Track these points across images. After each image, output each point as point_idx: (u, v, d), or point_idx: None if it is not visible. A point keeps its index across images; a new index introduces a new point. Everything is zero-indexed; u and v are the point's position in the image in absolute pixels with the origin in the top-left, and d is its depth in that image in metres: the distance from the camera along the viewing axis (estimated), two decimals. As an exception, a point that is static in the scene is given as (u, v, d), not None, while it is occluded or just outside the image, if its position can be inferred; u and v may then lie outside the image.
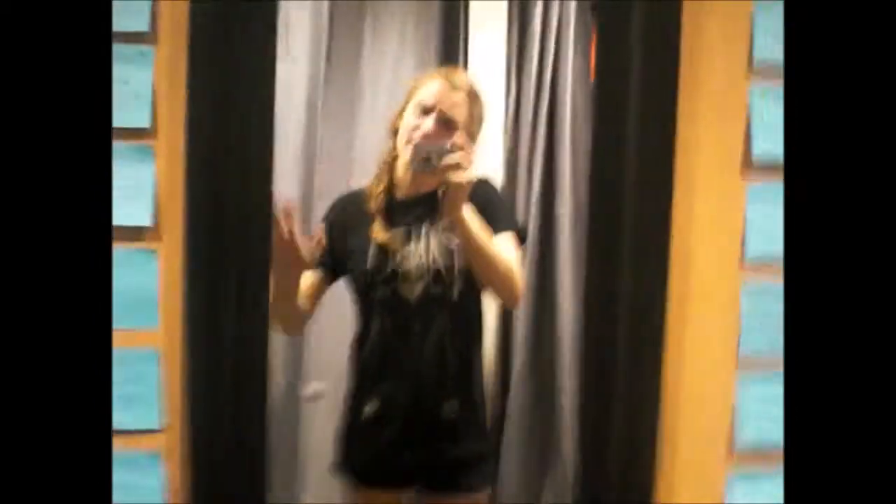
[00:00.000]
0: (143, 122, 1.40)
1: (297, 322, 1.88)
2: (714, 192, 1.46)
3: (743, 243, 1.45)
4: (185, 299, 1.40)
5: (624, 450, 1.45)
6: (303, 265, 1.71)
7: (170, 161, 1.42)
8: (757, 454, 1.48)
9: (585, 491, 1.51)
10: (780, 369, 1.40)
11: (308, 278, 1.85)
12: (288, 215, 1.62)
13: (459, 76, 1.84)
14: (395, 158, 1.87)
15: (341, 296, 2.21)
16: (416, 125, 1.77)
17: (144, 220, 1.41)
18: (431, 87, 1.79)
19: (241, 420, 1.45)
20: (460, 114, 1.79)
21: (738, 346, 1.47)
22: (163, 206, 1.42)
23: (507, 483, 2.46)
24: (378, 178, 1.88)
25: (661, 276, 1.44)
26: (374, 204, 1.84)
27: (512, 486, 2.46)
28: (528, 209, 2.41)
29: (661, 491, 1.47)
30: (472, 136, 1.82)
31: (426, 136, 1.73)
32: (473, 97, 1.82)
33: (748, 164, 1.44)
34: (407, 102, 1.83)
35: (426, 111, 1.78)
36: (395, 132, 1.86)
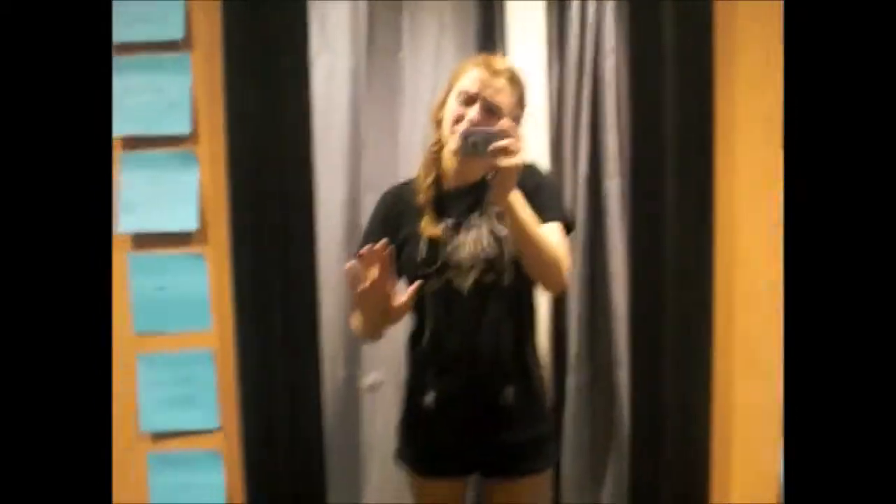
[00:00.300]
0: (184, 128, 1.42)
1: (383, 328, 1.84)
2: (755, 162, 1.43)
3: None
4: (234, 300, 1.42)
5: (678, 422, 1.44)
6: (389, 305, 1.70)
7: (213, 165, 1.44)
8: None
9: (642, 467, 1.50)
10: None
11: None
12: (371, 260, 1.59)
13: (499, 61, 1.83)
14: (439, 149, 1.87)
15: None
16: (460, 114, 1.77)
17: (191, 224, 1.43)
18: (472, 75, 1.79)
19: (296, 417, 1.48)
20: (504, 99, 1.78)
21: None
22: (207, 210, 1.44)
23: (570, 463, 2.46)
24: (425, 169, 1.88)
25: (706, 247, 1.42)
26: (423, 197, 1.84)
27: (575, 466, 2.47)
28: (575, 191, 2.40)
29: (717, 467, 1.46)
30: (516, 120, 1.81)
31: (472, 124, 1.73)
32: (515, 81, 1.81)
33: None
34: (448, 92, 1.83)
35: (469, 99, 1.77)
36: (437, 123, 1.86)
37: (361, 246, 1.91)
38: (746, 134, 1.42)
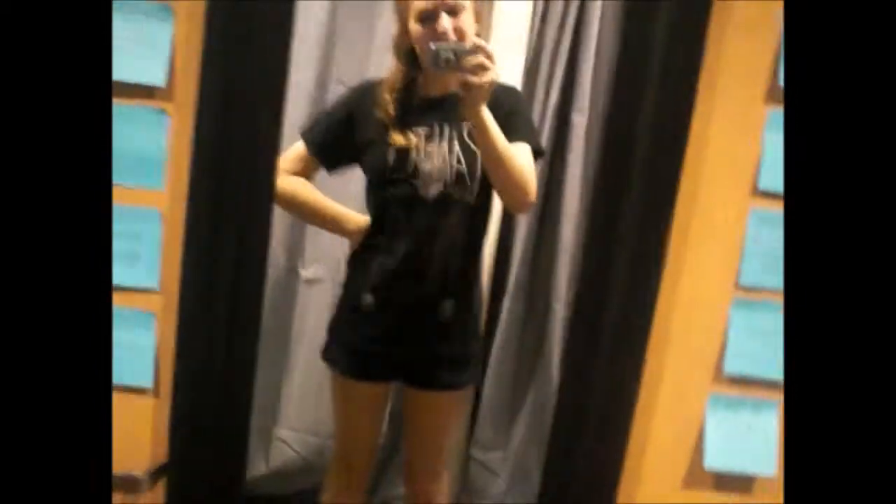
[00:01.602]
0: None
1: None
2: (734, 120, 1.43)
3: (756, 173, 1.43)
4: (192, 162, 1.39)
5: (610, 358, 1.45)
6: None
7: (190, 23, 1.39)
8: (743, 382, 1.49)
9: (567, 396, 1.52)
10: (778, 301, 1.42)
11: (301, 159, 1.88)
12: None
13: None
14: (403, 72, 1.85)
15: (348, 182, 2.22)
16: (428, 30, 1.74)
17: (158, 79, 1.38)
18: None
19: (237, 293, 1.45)
20: None
21: (738, 275, 1.47)
22: (178, 68, 1.39)
23: (492, 386, 2.50)
24: (388, 87, 1.85)
25: (667, 200, 1.42)
26: (385, 112, 1.82)
27: (496, 390, 2.51)
28: (543, 116, 2.39)
29: (642, 407, 1.48)
30: (477, 16, 1.79)
31: (443, 33, 1.71)
32: None
33: (773, 95, 1.42)
34: (403, 19, 1.79)
35: (428, 14, 1.74)
36: (400, 54, 1.84)
37: (314, 130, 1.91)
38: (729, 87, 1.42)
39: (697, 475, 1.52)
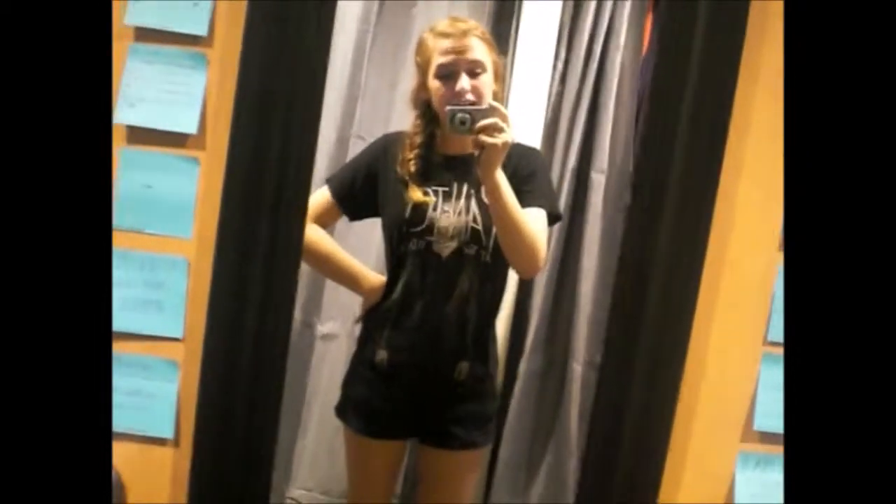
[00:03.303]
0: (201, 29, 1.39)
1: None
2: (762, 176, 1.44)
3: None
4: (221, 211, 1.39)
5: (639, 417, 1.43)
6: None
7: (222, 71, 1.40)
8: (772, 439, 1.47)
9: (593, 459, 1.50)
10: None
11: (324, 205, 1.88)
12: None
13: (462, 22, 1.81)
14: (422, 126, 1.86)
15: (366, 238, 2.22)
16: (448, 89, 1.76)
17: (191, 127, 1.40)
18: (443, 46, 1.77)
19: (262, 343, 1.44)
20: (482, 59, 1.77)
21: (767, 330, 1.46)
22: (210, 116, 1.41)
23: (508, 446, 2.47)
24: (409, 144, 1.87)
25: (697, 257, 1.42)
26: (406, 169, 1.84)
27: (512, 450, 2.47)
28: (562, 174, 2.40)
29: (671, 467, 1.46)
30: (497, 76, 1.81)
31: (462, 93, 1.73)
32: (484, 37, 1.81)
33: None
34: (425, 72, 1.81)
35: (450, 72, 1.76)
36: (418, 104, 1.86)
37: (338, 177, 1.92)
38: (757, 146, 1.43)
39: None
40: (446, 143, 1.85)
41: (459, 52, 1.74)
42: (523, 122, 2.32)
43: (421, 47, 1.82)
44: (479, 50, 1.76)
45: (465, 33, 1.76)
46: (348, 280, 1.99)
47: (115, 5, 1.35)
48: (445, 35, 1.76)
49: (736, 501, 1.46)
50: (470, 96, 1.72)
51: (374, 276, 1.95)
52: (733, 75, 1.40)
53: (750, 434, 1.47)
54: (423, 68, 1.81)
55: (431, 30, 1.81)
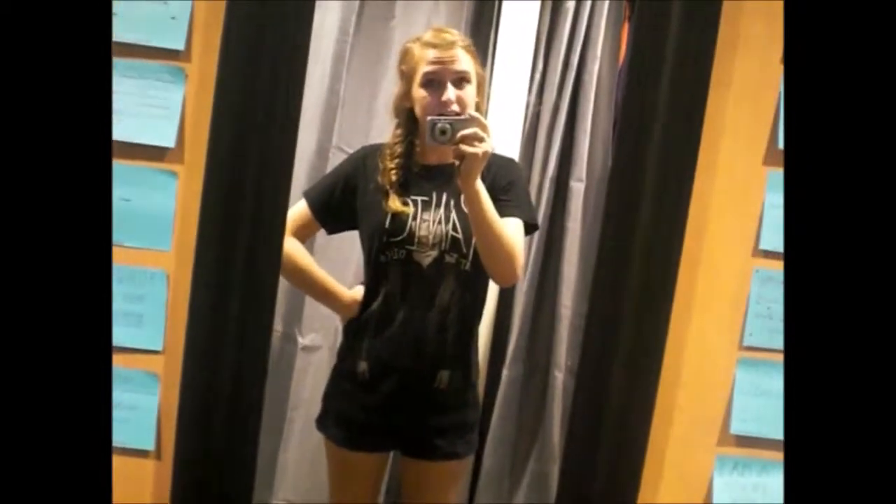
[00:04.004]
0: (179, 44, 1.40)
1: None
2: (736, 179, 1.46)
3: (758, 232, 1.45)
4: (199, 223, 1.39)
5: (616, 423, 1.44)
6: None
7: (200, 86, 1.41)
8: (749, 442, 1.49)
9: (571, 465, 1.50)
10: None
11: (302, 218, 1.89)
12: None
13: (448, 33, 1.83)
14: (402, 135, 1.88)
15: (346, 251, 2.23)
16: (433, 98, 1.78)
17: (169, 141, 1.40)
18: (429, 56, 1.79)
19: (242, 355, 1.44)
20: (466, 69, 1.79)
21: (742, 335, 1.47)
22: (188, 130, 1.41)
23: (491, 455, 2.48)
24: (390, 153, 1.88)
25: (671, 263, 1.44)
26: (387, 178, 1.85)
27: (495, 458, 2.48)
28: (542, 183, 2.42)
29: (649, 472, 1.47)
30: (480, 87, 1.83)
31: (448, 102, 1.74)
32: (468, 48, 1.83)
33: (772, 158, 1.44)
34: (410, 80, 1.83)
35: (437, 81, 1.78)
36: (399, 113, 1.87)
37: (316, 190, 1.93)
38: (730, 150, 1.45)
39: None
40: (425, 153, 1.86)
41: (446, 62, 1.76)
42: (502, 132, 2.34)
43: (406, 56, 1.83)
44: (465, 61, 1.78)
45: (451, 44, 1.77)
46: (323, 296, 2.01)
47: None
48: (432, 45, 1.78)
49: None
50: (455, 107, 1.74)
51: (348, 293, 1.96)
52: (705, 81, 1.41)
53: (727, 438, 1.48)
54: (408, 77, 1.82)
55: (418, 39, 1.83)
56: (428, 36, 1.81)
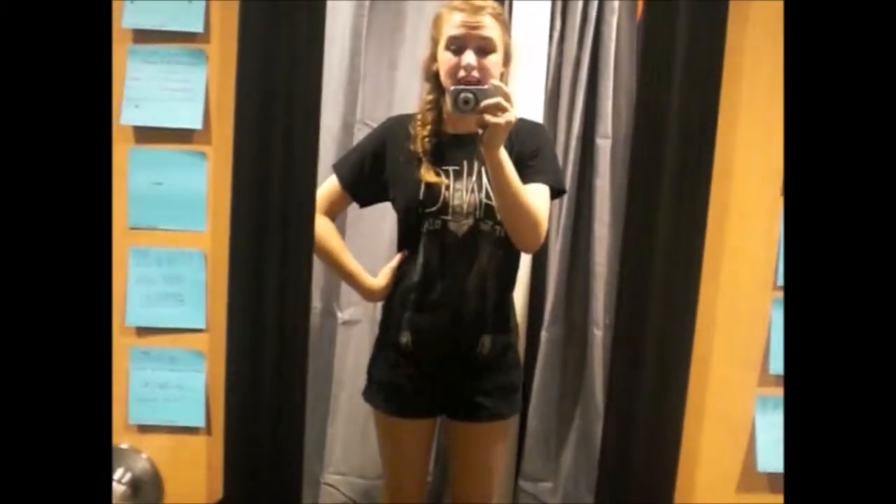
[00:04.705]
0: (198, 26, 1.42)
1: None
2: (756, 132, 1.45)
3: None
4: (232, 203, 1.42)
5: (654, 383, 1.45)
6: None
7: (222, 66, 1.43)
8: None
9: (613, 423, 1.52)
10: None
11: (333, 193, 1.90)
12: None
13: (479, 0, 1.83)
14: (433, 100, 1.89)
15: (381, 221, 2.25)
16: (453, 62, 1.78)
17: (195, 123, 1.42)
18: (456, 19, 1.80)
19: (283, 327, 1.47)
20: (492, 34, 1.80)
21: (775, 275, 1.47)
22: (213, 110, 1.43)
23: (536, 415, 2.49)
24: (421, 120, 1.89)
25: (699, 217, 1.43)
26: (420, 146, 1.86)
27: (540, 419, 2.50)
28: (566, 148, 2.41)
29: (689, 422, 1.48)
30: (507, 58, 1.84)
31: (469, 68, 1.75)
32: (499, 17, 1.83)
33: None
34: (436, 43, 1.84)
35: (460, 45, 1.79)
36: (430, 76, 1.88)
37: (346, 165, 1.94)
38: (752, 87, 1.43)
39: (751, 480, 1.51)
40: (453, 122, 1.87)
41: (471, 27, 1.77)
42: (525, 94, 2.34)
43: (436, 20, 1.86)
44: (492, 28, 1.79)
45: (478, 10, 1.78)
46: (348, 280, 2.04)
47: (113, 8, 1.38)
48: (460, 9, 1.79)
49: (758, 444, 1.47)
50: (475, 73, 1.74)
51: (373, 282, 1.99)
52: (722, 23, 1.41)
53: (766, 378, 1.48)
54: (435, 40, 1.84)
55: (448, 4, 1.85)
56: (458, 1, 1.82)
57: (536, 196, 1.78)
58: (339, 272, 2.06)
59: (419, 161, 1.85)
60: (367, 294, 2.00)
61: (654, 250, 1.43)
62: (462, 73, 1.76)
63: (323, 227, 1.91)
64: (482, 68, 1.77)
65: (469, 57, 1.77)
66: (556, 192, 1.87)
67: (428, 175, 1.83)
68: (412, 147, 1.87)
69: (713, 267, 1.45)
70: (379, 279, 1.97)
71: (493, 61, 1.79)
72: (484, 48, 1.78)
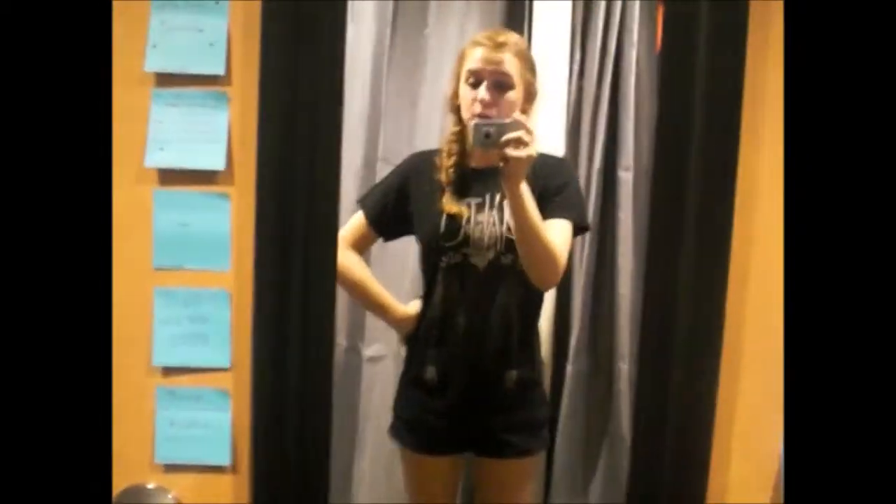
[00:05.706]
0: (219, 69, 1.44)
1: None
2: (778, 160, 1.45)
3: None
4: (255, 242, 1.43)
5: (680, 418, 1.44)
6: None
7: (243, 107, 1.45)
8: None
9: (640, 458, 1.51)
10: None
11: (359, 229, 1.90)
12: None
13: (501, 35, 1.84)
14: (458, 133, 1.89)
15: (405, 256, 2.25)
16: (472, 97, 1.79)
17: (218, 164, 1.44)
18: (476, 54, 1.81)
19: (307, 364, 1.48)
20: (512, 71, 1.80)
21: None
22: (236, 151, 1.45)
23: (563, 450, 2.47)
24: (447, 151, 1.90)
25: (722, 250, 1.43)
26: (444, 177, 1.86)
27: (568, 453, 2.47)
28: (588, 180, 2.41)
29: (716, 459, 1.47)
30: (529, 95, 1.84)
31: (484, 104, 1.75)
32: (520, 52, 1.83)
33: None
34: (458, 78, 1.85)
35: (477, 79, 1.79)
36: (454, 110, 1.89)
37: (371, 200, 1.95)
38: (773, 116, 1.43)
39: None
40: (476, 155, 1.87)
41: (489, 62, 1.78)
42: (546, 126, 2.34)
43: (460, 55, 1.87)
44: (510, 64, 1.79)
45: (500, 46, 1.79)
46: (378, 310, 2.03)
47: (135, 53, 1.40)
48: (482, 45, 1.80)
49: (783, 481, 1.46)
50: (493, 111, 1.75)
51: (403, 308, 1.99)
52: (741, 51, 1.41)
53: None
54: (457, 75, 1.85)
55: (472, 39, 1.87)
56: (479, 36, 1.85)
57: (557, 232, 1.77)
58: (368, 302, 2.05)
59: (442, 192, 1.85)
60: (398, 321, 1.99)
61: (677, 284, 1.43)
62: (477, 108, 1.77)
63: (348, 259, 1.92)
64: (497, 104, 1.77)
65: (482, 91, 1.78)
66: (580, 229, 1.87)
67: (450, 205, 1.83)
68: (436, 177, 1.88)
69: (737, 297, 1.44)
70: (410, 307, 1.97)
71: (511, 98, 1.79)
72: (501, 84, 1.79)
